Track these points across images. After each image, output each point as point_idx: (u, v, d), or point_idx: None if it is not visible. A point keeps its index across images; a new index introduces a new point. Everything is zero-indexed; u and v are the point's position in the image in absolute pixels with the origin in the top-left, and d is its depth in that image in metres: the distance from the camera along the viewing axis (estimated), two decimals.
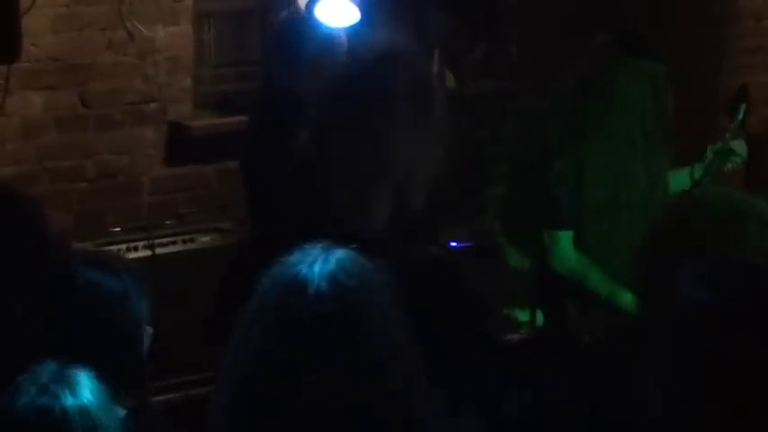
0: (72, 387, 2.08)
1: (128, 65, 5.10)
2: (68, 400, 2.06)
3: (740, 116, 4.42)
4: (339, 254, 2.01)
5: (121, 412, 2.20)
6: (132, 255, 4.70)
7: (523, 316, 4.20)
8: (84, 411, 2.06)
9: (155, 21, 5.11)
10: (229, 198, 5.28)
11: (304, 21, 4.23)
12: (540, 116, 4.43)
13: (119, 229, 4.83)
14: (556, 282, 4.22)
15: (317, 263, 1.99)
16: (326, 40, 4.24)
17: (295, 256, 2.02)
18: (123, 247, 4.70)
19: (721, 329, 2.02)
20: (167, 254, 4.76)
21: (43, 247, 3.16)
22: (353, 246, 2.04)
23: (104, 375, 2.16)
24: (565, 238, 4.17)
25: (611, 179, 4.13)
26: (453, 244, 4.51)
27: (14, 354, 2.40)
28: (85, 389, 2.10)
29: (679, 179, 4.34)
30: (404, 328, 2.02)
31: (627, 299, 4.11)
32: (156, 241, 4.75)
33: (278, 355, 1.94)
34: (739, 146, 4.34)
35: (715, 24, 5.86)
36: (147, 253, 4.72)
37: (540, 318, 4.17)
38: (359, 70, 3.90)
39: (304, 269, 1.98)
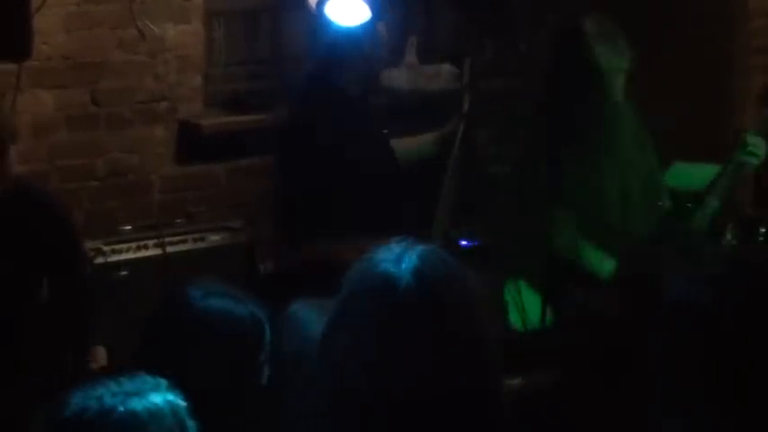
0: (156, 388, 2.02)
1: (138, 63, 5.10)
2: (155, 398, 1.97)
3: None
4: (420, 249, 1.98)
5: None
6: (142, 253, 4.71)
7: (515, 318, 4.21)
8: (176, 408, 2.01)
9: (165, 19, 5.12)
10: (239, 197, 5.29)
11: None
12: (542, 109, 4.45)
13: (129, 227, 4.83)
14: (560, 265, 4.20)
15: (403, 259, 1.96)
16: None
17: (376, 254, 1.98)
18: (133, 245, 4.72)
19: (708, 326, 2.04)
20: (177, 252, 4.77)
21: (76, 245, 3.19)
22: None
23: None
24: (567, 221, 4.15)
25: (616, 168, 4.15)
26: (463, 242, 4.51)
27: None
28: (168, 393, 2.05)
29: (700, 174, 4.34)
30: (488, 322, 2.01)
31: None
32: (167, 240, 4.75)
33: (371, 356, 1.91)
34: (758, 143, 4.31)
35: (726, 24, 5.85)
36: (158, 251, 4.73)
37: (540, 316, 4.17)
38: None
39: (390, 267, 1.95)
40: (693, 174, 4.40)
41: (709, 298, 2.06)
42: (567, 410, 3.62)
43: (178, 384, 2.00)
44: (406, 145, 4.65)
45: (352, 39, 4.33)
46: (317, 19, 4.41)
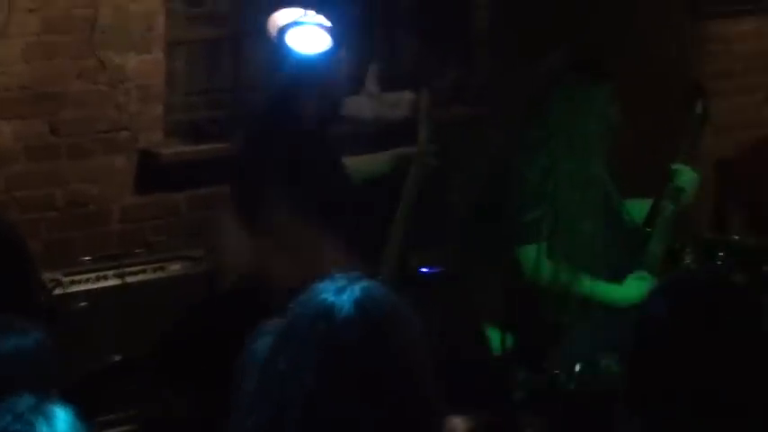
0: (48, 418, 2.07)
1: (99, 93, 5.08)
2: (43, 429, 2.05)
3: (698, 111, 4.43)
4: (365, 283, 2.05)
5: None
6: (102, 284, 4.69)
7: (495, 337, 4.22)
8: None
9: (126, 49, 5.11)
10: (200, 226, 5.27)
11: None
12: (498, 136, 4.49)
13: (88, 258, 4.81)
14: (528, 298, 4.22)
15: (346, 291, 2.02)
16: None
17: (322, 285, 2.05)
18: (93, 275, 4.69)
19: (675, 339, 2.13)
20: (137, 282, 4.75)
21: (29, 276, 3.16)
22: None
23: None
24: (533, 251, 4.16)
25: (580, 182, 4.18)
26: (424, 270, 4.52)
27: None
28: (61, 422, 2.09)
29: (638, 209, 4.38)
30: (429, 357, 2.05)
31: (617, 293, 4.15)
32: (126, 270, 4.74)
33: (306, 381, 1.95)
34: (687, 175, 4.34)
35: (684, 50, 5.90)
36: (117, 282, 4.71)
37: (509, 340, 4.18)
38: None
39: (331, 296, 2.01)
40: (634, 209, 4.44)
41: (668, 311, 2.17)
42: None
43: None
44: (361, 162, 4.70)
45: (312, 67, 4.34)
46: (277, 48, 4.42)
